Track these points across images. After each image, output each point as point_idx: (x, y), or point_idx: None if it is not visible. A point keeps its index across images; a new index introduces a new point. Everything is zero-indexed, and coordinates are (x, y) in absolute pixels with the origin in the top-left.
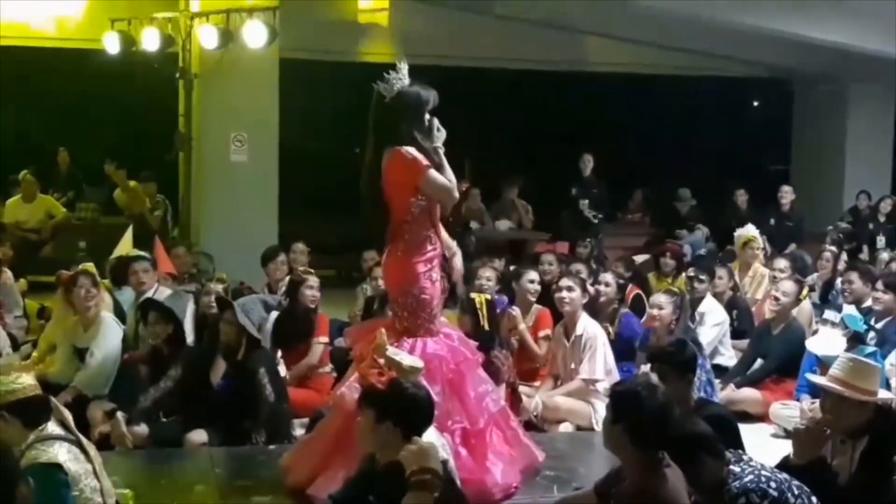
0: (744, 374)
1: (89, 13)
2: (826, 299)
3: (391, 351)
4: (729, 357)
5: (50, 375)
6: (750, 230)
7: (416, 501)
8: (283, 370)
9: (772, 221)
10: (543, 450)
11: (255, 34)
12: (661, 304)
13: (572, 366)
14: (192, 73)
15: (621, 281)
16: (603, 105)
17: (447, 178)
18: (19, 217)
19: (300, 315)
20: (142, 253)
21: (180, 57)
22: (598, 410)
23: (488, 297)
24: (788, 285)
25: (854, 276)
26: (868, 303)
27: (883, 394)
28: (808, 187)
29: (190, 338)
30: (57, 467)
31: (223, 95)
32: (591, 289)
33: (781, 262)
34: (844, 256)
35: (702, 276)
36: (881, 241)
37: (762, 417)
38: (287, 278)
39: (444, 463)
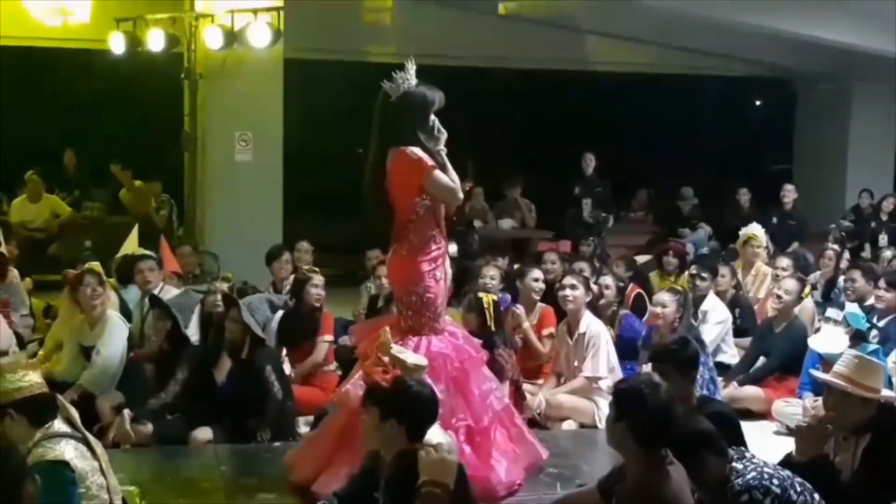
0: (746, 371)
1: (95, 14)
2: (828, 297)
3: (395, 349)
4: (731, 355)
5: (56, 374)
6: (753, 228)
7: None
8: (287, 368)
9: (774, 220)
10: (547, 447)
11: (259, 34)
12: (665, 303)
13: (575, 363)
14: (196, 74)
15: (621, 283)
16: (606, 104)
17: (453, 179)
18: (25, 217)
19: (305, 313)
20: (147, 252)
21: (185, 57)
22: (602, 408)
23: (495, 297)
24: (791, 283)
25: (857, 274)
26: (870, 301)
27: (886, 392)
28: (810, 186)
29: (195, 336)
30: (63, 465)
31: (228, 95)
32: (594, 287)
33: (784, 261)
34: (847, 255)
35: (704, 274)
36: (883, 239)
37: (765, 415)
38: (292, 277)
39: (461, 467)
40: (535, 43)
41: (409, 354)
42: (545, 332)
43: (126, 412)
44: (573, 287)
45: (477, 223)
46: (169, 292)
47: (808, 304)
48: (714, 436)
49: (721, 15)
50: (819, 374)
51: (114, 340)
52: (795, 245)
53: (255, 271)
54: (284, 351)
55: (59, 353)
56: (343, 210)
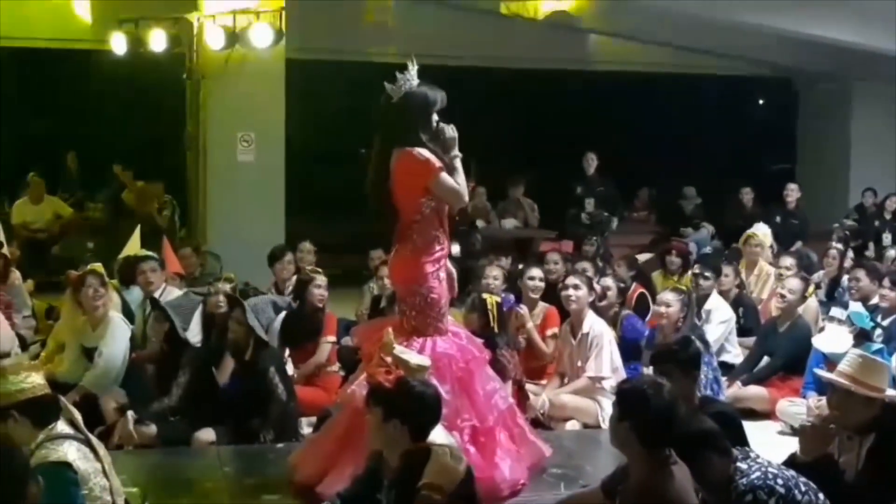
0: (750, 371)
1: (96, 14)
2: (832, 297)
3: (398, 349)
4: (735, 355)
5: (58, 375)
6: (759, 228)
7: None
8: (290, 369)
9: (777, 219)
10: (550, 447)
11: (261, 35)
12: (669, 302)
13: (579, 364)
14: (198, 74)
15: (622, 284)
16: (608, 104)
17: (458, 182)
18: (27, 218)
19: (308, 314)
20: (150, 253)
21: (187, 58)
22: (605, 408)
23: (498, 298)
24: (794, 283)
25: (861, 273)
26: (874, 300)
27: (890, 392)
28: (813, 185)
29: (197, 337)
30: (66, 466)
31: (230, 96)
32: (597, 287)
33: (787, 260)
34: (850, 254)
35: (707, 273)
36: (887, 238)
37: (769, 415)
38: (294, 277)
39: (469, 469)
40: (537, 42)
41: (412, 355)
42: (549, 332)
43: (130, 414)
44: (576, 287)
45: (480, 223)
46: (171, 293)
47: (812, 303)
48: (718, 436)
49: (722, 14)
50: (823, 374)
51: (116, 341)
52: (799, 244)
53: (258, 272)
54: (287, 351)
55: (61, 354)
56: (346, 210)
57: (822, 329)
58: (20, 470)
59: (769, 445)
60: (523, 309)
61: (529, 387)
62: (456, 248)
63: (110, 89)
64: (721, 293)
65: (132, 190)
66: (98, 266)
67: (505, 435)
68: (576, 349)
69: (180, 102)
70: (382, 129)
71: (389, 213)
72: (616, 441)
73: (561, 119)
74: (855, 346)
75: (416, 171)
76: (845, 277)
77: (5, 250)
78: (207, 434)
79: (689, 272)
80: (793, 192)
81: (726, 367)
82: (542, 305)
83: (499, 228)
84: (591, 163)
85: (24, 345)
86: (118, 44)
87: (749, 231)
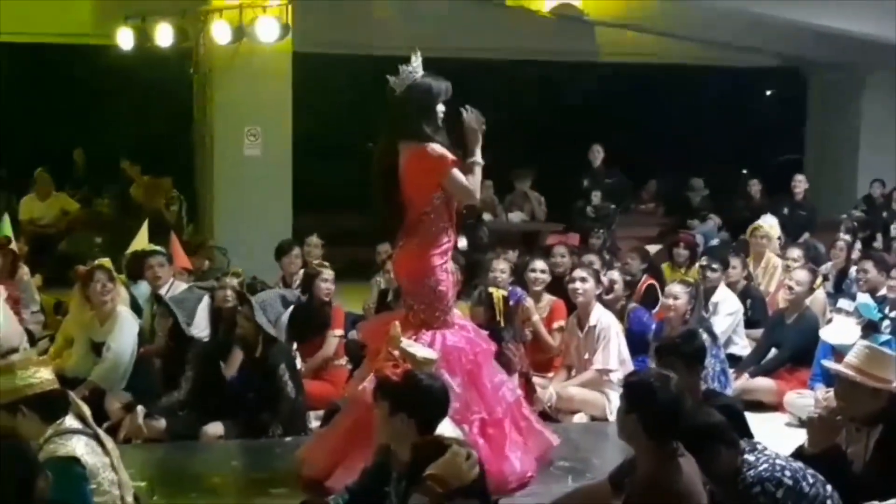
0: (758, 363)
1: (103, 10)
2: (840, 288)
3: (405, 343)
4: (743, 346)
5: (67, 370)
6: (768, 220)
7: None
8: (298, 363)
9: (785, 211)
10: (558, 438)
11: (267, 29)
12: (677, 294)
13: (586, 356)
14: (205, 69)
15: (628, 277)
16: (614, 96)
17: (471, 182)
18: (34, 214)
19: (315, 308)
20: (157, 248)
21: (194, 52)
22: (612, 401)
23: (505, 292)
24: (802, 274)
25: (869, 264)
26: (883, 291)
27: None
28: (821, 176)
29: (205, 332)
30: (75, 461)
31: (237, 90)
32: (604, 279)
33: (795, 252)
34: (858, 245)
35: (714, 265)
36: (895, 229)
37: (776, 407)
38: (301, 272)
39: (482, 471)
40: (543, 34)
41: (419, 348)
42: (556, 325)
43: (140, 408)
44: (583, 280)
45: (486, 216)
46: (179, 288)
47: (820, 294)
48: (725, 428)
49: (730, 4)
50: (830, 365)
51: (124, 336)
52: (806, 236)
53: (265, 266)
54: (295, 345)
55: (69, 349)
56: (353, 204)
57: (829, 320)
58: (29, 464)
59: (777, 437)
60: (529, 302)
61: (537, 380)
62: (463, 242)
63: (117, 85)
64: (729, 285)
65: (140, 185)
66: (106, 261)
67: (513, 427)
68: (583, 342)
69: (187, 97)
70: (388, 121)
71: (394, 207)
72: (623, 433)
73: (567, 111)
74: (863, 337)
75: (431, 168)
76: (853, 269)
77: (13, 246)
78: (216, 428)
79: (697, 264)
80: (800, 184)
81: (734, 359)
82: (548, 298)
83: (506, 222)
84: (598, 155)
85: (32, 340)
86: (125, 39)
87: (755, 223)
